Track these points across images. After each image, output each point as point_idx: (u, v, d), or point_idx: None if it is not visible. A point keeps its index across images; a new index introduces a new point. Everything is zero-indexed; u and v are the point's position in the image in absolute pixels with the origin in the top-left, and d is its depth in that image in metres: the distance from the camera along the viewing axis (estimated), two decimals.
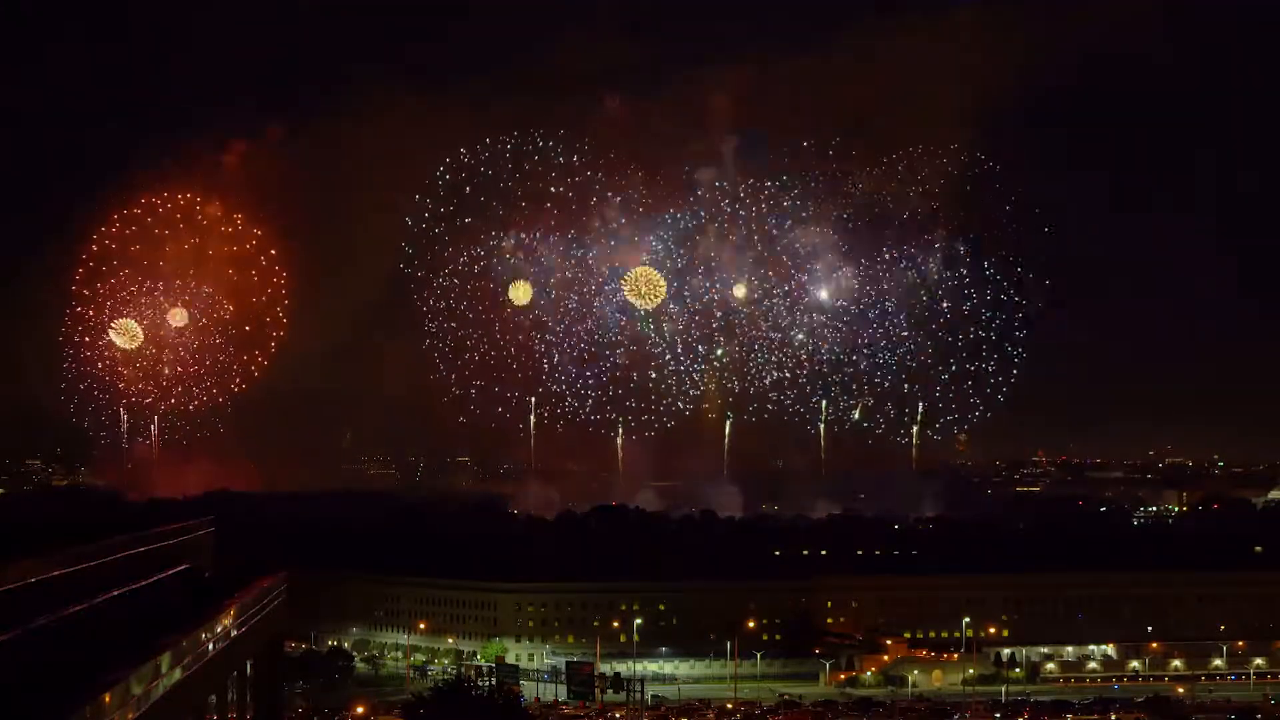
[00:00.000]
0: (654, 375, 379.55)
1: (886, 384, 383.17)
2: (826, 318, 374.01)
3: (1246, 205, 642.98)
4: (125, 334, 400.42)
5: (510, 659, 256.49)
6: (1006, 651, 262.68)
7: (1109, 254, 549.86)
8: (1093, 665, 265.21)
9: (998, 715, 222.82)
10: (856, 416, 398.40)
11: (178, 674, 65.22)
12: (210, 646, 72.93)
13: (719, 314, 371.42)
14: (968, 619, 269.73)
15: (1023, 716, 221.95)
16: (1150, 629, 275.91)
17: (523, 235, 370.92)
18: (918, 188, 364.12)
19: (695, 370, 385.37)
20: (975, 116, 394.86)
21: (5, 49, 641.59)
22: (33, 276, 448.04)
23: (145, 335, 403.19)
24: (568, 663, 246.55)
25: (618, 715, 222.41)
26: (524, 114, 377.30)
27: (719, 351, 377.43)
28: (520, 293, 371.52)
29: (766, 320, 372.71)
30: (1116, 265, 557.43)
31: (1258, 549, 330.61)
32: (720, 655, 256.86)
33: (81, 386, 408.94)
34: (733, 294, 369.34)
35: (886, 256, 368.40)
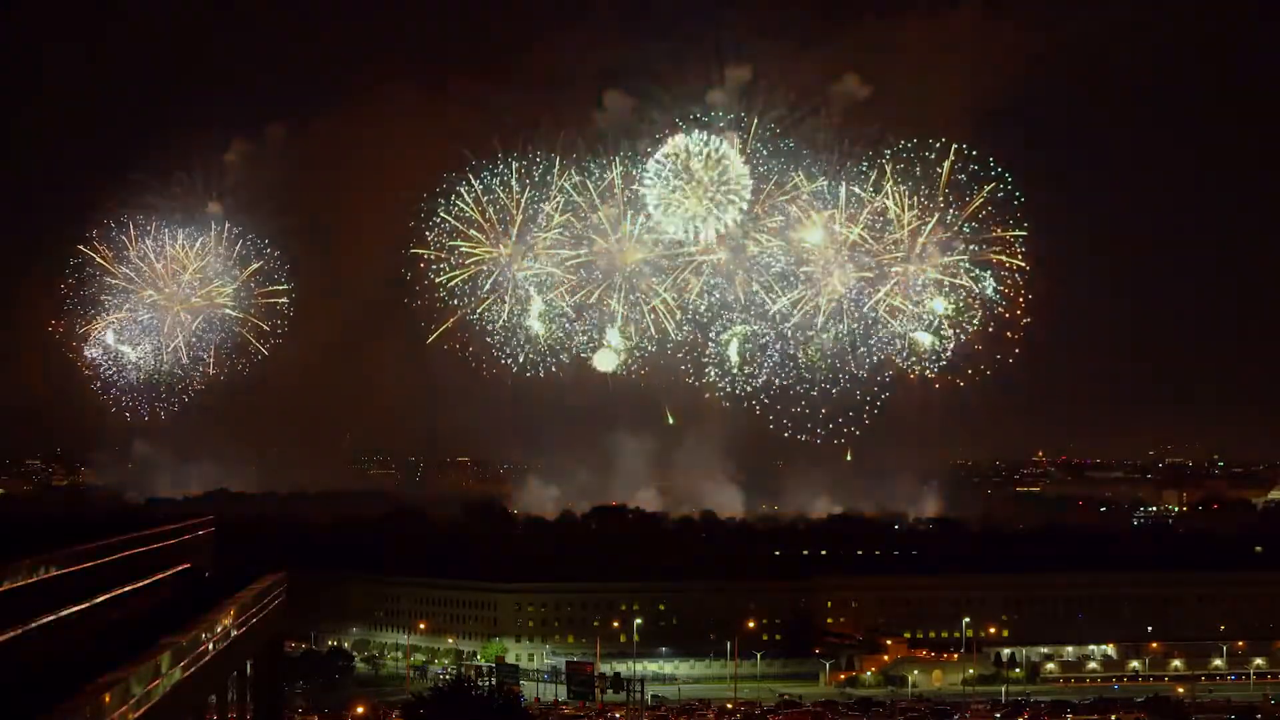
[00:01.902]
0: (654, 369, 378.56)
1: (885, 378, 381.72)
2: (826, 317, 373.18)
3: (1247, 205, 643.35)
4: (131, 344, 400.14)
5: (510, 659, 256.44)
6: (1006, 651, 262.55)
7: (1109, 253, 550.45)
8: (1093, 665, 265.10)
9: (998, 715, 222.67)
10: (849, 458, 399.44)
11: (178, 674, 65.19)
12: (210, 646, 72.90)
13: (716, 312, 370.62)
14: (968, 619, 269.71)
15: (1023, 716, 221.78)
16: (1150, 629, 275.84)
17: (523, 233, 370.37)
18: (918, 185, 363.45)
19: (696, 370, 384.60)
20: (973, 113, 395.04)
21: (4, 48, 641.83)
22: (32, 275, 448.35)
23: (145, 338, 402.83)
24: (568, 663, 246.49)
25: (618, 715, 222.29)
26: (524, 113, 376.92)
27: (730, 350, 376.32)
28: (520, 290, 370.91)
29: (766, 321, 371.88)
30: (1117, 265, 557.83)
31: (1258, 549, 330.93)
32: (720, 655, 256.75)
33: (77, 395, 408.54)
34: (732, 293, 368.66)
35: (886, 255, 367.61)
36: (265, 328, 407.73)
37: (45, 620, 60.68)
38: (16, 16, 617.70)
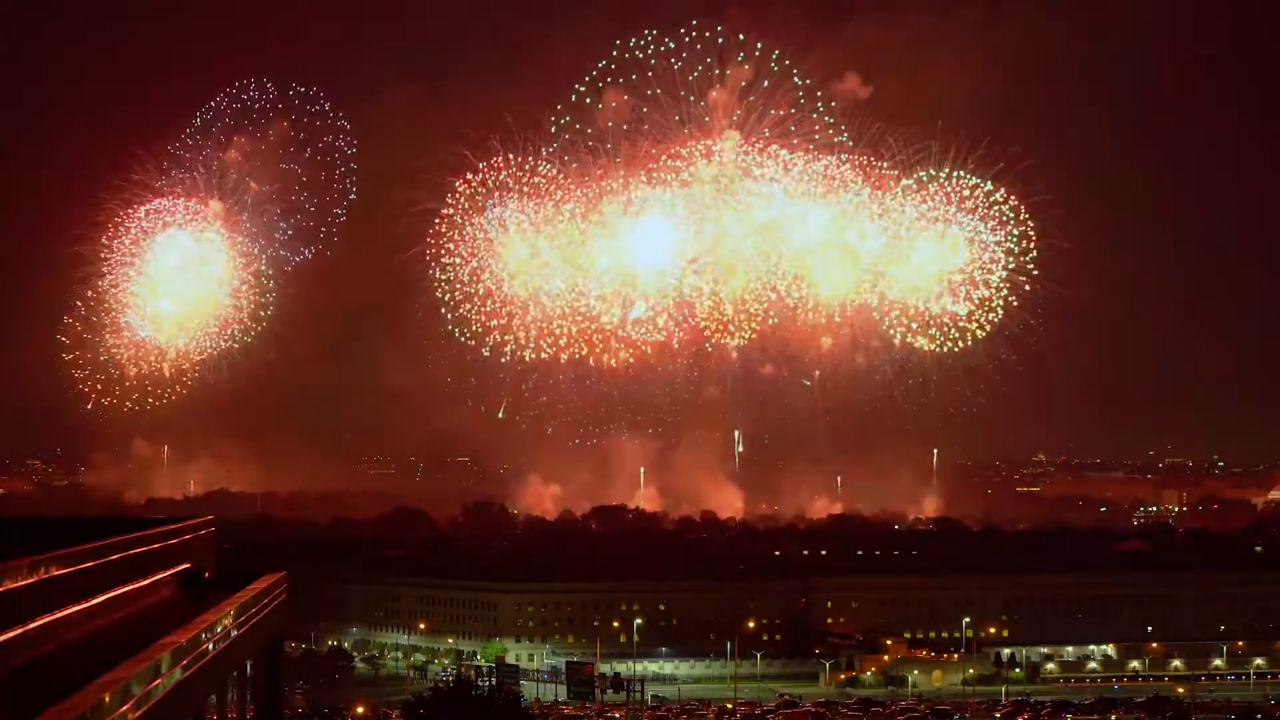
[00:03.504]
0: (654, 371, 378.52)
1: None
2: (826, 317, 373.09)
3: (1248, 204, 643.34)
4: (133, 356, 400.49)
5: (510, 659, 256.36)
6: (1006, 651, 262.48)
7: (1110, 253, 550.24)
8: (1093, 665, 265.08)
9: (998, 715, 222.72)
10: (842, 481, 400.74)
11: (178, 674, 65.14)
12: (210, 646, 72.84)
13: (717, 311, 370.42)
14: (968, 619, 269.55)
15: (1023, 717, 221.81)
16: (1150, 629, 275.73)
17: (523, 232, 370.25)
18: (918, 185, 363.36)
19: (695, 367, 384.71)
20: (973, 114, 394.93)
21: (6, 45, 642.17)
22: (31, 274, 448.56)
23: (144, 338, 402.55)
24: (568, 663, 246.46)
25: (617, 715, 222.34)
26: (525, 111, 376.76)
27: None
28: (520, 289, 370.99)
29: (766, 319, 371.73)
30: (1117, 264, 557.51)
31: (1258, 549, 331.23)
32: (720, 655, 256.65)
33: (77, 395, 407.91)
34: (730, 292, 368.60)
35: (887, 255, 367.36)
36: (266, 328, 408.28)
37: (45, 620, 60.68)
38: (16, 15, 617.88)
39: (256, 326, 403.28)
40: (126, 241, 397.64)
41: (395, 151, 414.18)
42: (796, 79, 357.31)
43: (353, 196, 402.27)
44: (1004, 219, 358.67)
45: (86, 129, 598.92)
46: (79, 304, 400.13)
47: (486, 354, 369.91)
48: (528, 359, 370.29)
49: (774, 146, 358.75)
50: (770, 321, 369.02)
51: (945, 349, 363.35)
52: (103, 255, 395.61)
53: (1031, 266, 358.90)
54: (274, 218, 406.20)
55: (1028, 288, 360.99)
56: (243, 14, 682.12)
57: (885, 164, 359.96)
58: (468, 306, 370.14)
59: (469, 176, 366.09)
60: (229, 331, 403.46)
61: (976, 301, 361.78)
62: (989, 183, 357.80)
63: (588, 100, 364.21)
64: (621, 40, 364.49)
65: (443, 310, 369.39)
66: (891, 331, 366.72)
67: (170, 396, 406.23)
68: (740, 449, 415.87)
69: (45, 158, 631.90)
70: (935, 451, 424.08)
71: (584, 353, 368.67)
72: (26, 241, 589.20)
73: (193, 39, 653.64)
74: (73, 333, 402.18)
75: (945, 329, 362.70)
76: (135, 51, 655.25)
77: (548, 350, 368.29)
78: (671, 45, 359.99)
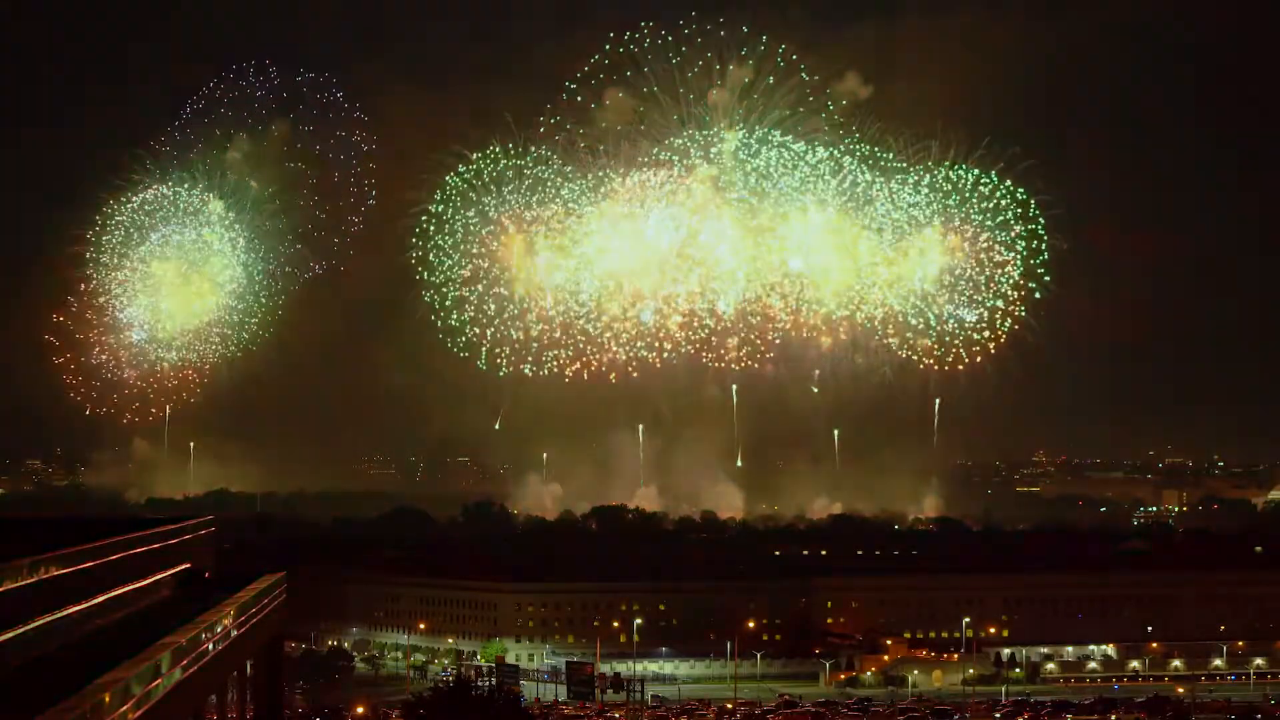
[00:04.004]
0: (654, 369, 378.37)
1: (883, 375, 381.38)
2: (826, 317, 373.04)
3: (1248, 204, 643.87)
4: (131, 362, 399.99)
5: (510, 659, 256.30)
6: (1006, 651, 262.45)
7: (1110, 253, 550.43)
8: (1093, 665, 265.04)
9: (998, 715, 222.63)
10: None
11: (178, 674, 65.19)
12: (210, 646, 72.89)
13: (717, 312, 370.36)
14: (968, 619, 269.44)
15: (1023, 717, 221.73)
16: (1150, 629, 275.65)
17: (523, 231, 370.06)
18: (918, 186, 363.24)
19: (695, 367, 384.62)
20: (973, 114, 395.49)
21: (6, 42, 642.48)
22: (32, 275, 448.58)
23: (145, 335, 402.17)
24: (568, 663, 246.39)
25: (617, 715, 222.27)
26: (525, 110, 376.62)
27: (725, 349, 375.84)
28: (522, 289, 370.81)
29: (768, 317, 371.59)
30: (1117, 264, 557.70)
31: (1258, 549, 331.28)
32: (720, 655, 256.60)
33: (77, 395, 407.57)
34: (730, 292, 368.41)
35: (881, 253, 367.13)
36: (266, 328, 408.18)
37: (45, 620, 60.73)
38: (17, 15, 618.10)
39: (264, 333, 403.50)
40: (119, 238, 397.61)
41: (395, 151, 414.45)
42: (804, 75, 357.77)
43: (371, 201, 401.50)
44: (1010, 220, 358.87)
45: (85, 128, 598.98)
46: (70, 299, 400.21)
47: (483, 365, 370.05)
48: (528, 374, 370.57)
49: (775, 136, 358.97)
50: (774, 335, 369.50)
51: (950, 360, 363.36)
52: (89, 254, 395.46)
53: (1042, 270, 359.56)
54: (280, 226, 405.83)
55: (1038, 295, 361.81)
56: (241, 12, 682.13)
57: (887, 161, 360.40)
58: (458, 314, 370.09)
59: (461, 169, 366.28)
60: (232, 337, 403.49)
61: (987, 310, 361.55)
62: (995, 175, 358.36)
63: (579, 99, 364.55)
64: (616, 34, 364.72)
65: (432, 318, 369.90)
66: (891, 344, 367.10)
67: (174, 406, 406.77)
68: (740, 459, 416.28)
69: (45, 157, 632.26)
70: (934, 451, 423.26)
71: (584, 364, 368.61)
72: (26, 242, 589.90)
73: (192, 37, 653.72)
74: (64, 332, 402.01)
75: (949, 342, 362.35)
76: (134, 50, 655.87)
77: (549, 365, 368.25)
78: (670, 39, 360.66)
